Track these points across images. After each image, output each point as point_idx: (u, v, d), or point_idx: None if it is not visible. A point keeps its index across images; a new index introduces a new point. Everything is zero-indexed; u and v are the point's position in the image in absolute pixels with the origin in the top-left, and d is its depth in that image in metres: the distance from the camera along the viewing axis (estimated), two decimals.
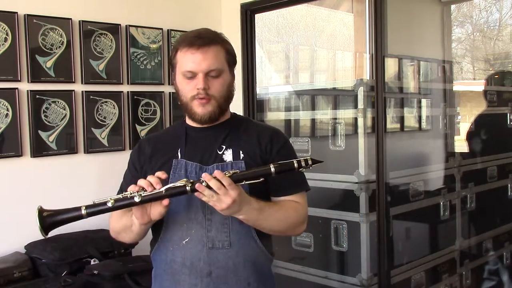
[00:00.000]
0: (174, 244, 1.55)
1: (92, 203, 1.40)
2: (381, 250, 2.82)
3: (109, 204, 1.37)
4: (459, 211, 3.48)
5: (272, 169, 1.40)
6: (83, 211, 1.38)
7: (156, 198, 1.39)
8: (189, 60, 1.52)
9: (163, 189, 1.38)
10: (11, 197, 2.73)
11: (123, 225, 1.57)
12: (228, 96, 1.60)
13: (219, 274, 1.52)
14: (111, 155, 3.07)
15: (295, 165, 1.40)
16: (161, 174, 1.43)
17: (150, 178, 1.41)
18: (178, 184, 1.38)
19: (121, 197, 1.39)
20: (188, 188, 1.37)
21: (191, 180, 1.39)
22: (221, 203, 1.37)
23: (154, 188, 1.39)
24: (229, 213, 1.42)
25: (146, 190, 1.38)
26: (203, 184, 1.36)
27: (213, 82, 1.54)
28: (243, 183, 1.40)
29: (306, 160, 1.39)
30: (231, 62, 1.61)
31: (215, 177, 1.36)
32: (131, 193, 1.38)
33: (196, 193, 1.38)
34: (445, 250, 3.38)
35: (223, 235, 1.52)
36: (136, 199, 1.37)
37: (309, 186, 1.66)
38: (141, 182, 1.40)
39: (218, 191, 1.35)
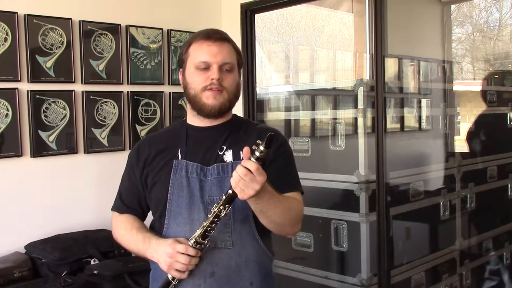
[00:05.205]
0: None
1: None
2: (381, 250, 2.82)
3: None
4: (459, 211, 3.47)
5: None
6: None
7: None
8: (205, 52, 1.54)
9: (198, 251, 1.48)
10: (11, 197, 2.73)
11: (128, 248, 1.65)
12: (237, 94, 1.61)
13: (222, 274, 1.52)
14: (111, 155, 3.07)
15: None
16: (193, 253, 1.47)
17: (184, 260, 1.46)
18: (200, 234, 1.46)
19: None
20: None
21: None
22: (249, 190, 1.33)
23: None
24: (252, 198, 1.36)
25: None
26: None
27: (226, 75, 1.55)
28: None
29: (257, 144, 1.32)
30: (240, 63, 1.64)
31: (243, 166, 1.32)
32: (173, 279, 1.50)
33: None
34: (445, 250, 3.38)
35: (225, 235, 1.52)
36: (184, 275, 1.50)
37: (302, 189, 1.64)
38: (178, 266, 1.47)
39: (244, 177, 1.31)
